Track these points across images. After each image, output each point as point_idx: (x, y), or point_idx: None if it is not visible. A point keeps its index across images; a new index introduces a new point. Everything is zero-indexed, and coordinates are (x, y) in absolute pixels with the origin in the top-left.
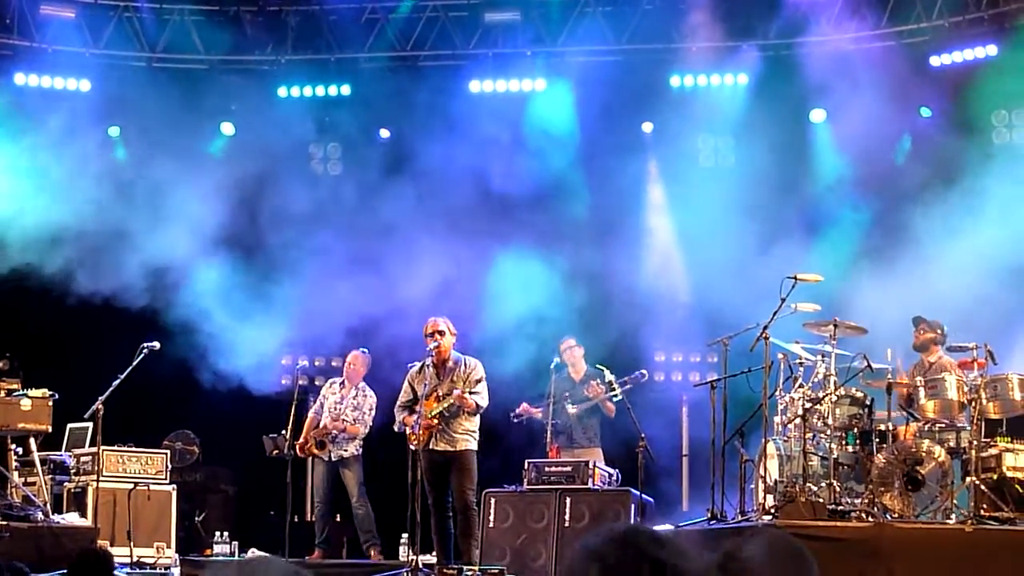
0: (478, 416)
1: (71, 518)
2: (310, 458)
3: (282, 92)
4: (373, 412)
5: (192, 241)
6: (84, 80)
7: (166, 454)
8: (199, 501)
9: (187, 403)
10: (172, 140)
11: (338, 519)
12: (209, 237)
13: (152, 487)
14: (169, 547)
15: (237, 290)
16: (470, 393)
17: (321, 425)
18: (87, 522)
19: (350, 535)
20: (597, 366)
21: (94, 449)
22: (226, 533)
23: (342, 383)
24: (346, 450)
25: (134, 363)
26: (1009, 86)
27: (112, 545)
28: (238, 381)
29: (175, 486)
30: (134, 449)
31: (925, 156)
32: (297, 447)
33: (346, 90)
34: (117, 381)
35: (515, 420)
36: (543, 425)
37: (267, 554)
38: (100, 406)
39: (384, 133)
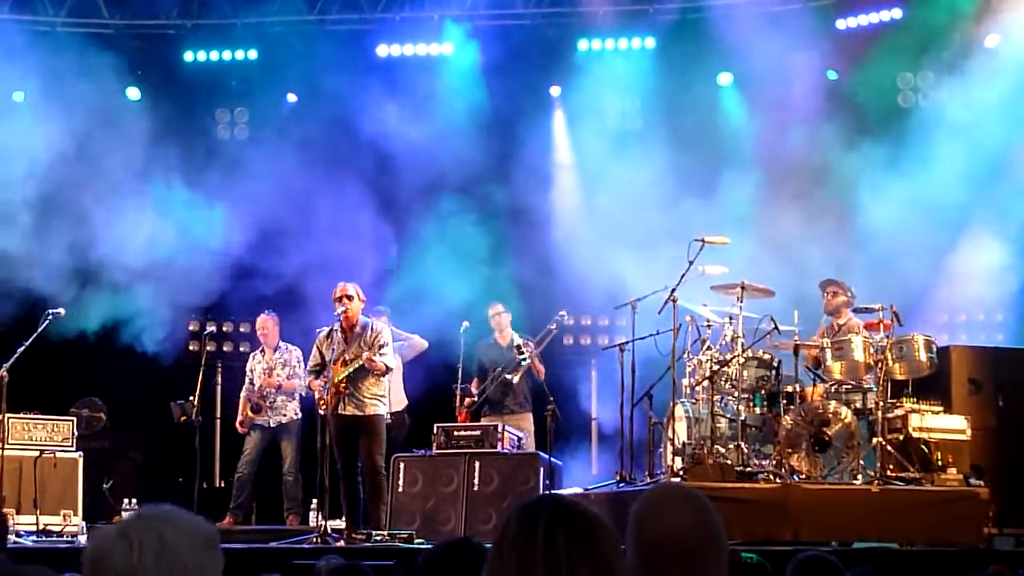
0: (387, 380)
1: None
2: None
3: (188, 57)
4: (302, 363)
5: (98, 206)
6: None
7: (72, 421)
8: (106, 468)
9: (93, 370)
10: (77, 105)
11: (253, 486)
12: (116, 201)
13: (58, 455)
14: (76, 515)
15: (143, 255)
16: (378, 356)
17: (256, 388)
18: None
19: (261, 501)
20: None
21: None
22: (134, 500)
23: (262, 351)
24: (285, 415)
25: (39, 329)
26: (914, 49)
27: (18, 513)
28: (145, 348)
29: (82, 453)
30: (40, 416)
31: (831, 119)
32: (237, 426)
33: (253, 54)
34: (21, 348)
35: (470, 409)
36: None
37: (161, 506)
38: (4, 373)
39: (291, 98)
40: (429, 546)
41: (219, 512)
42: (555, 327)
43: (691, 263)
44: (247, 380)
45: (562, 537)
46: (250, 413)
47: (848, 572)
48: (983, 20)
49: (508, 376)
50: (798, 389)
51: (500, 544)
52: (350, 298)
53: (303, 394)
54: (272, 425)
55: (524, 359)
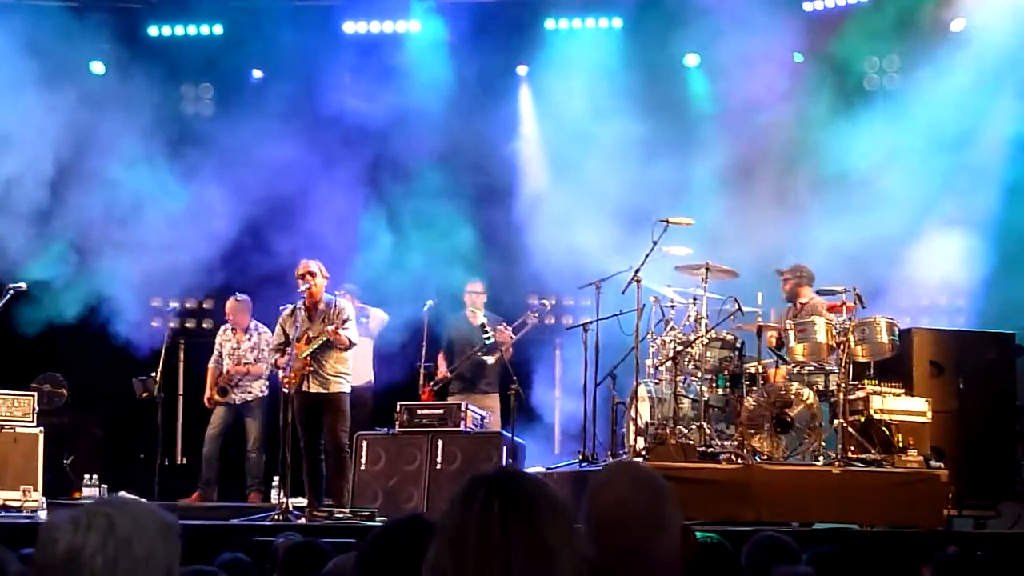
0: (350, 358)
1: None
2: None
3: (153, 31)
4: (268, 346)
5: (60, 181)
6: None
7: (33, 396)
8: (68, 444)
9: (56, 345)
10: (42, 78)
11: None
12: (78, 176)
13: (19, 430)
14: (36, 490)
15: (106, 231)
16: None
17: (224, 372)
18: None
19: (223, 478)
20: (470, 310)
21: None
22: (95, 476)
23: (233, 329)
24: (250, 392)
25: (0, 304)
26: (881, 32)
27: None
28: (107, 324)
29: (43, 429)
30: (0, 392)
31: (797, 101)
32: (205, 400)
33: (218, 30)
34: None
35: (435, 388)
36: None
37: (124, 495)
38: None
39: (257, 74)
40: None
41: (181, 488)
42: (536, 316)
43: (655, 243)
44: (215, 352)
45: (497, 508)
46: (217, 396)
47: (806, 552)
48: (949, 4)
49: (485, 358)
50: (761, 370)
51: (444, 513)
52: (312, 275)
53: (273, 372)
54: (237, 402)
55: (488, 338)
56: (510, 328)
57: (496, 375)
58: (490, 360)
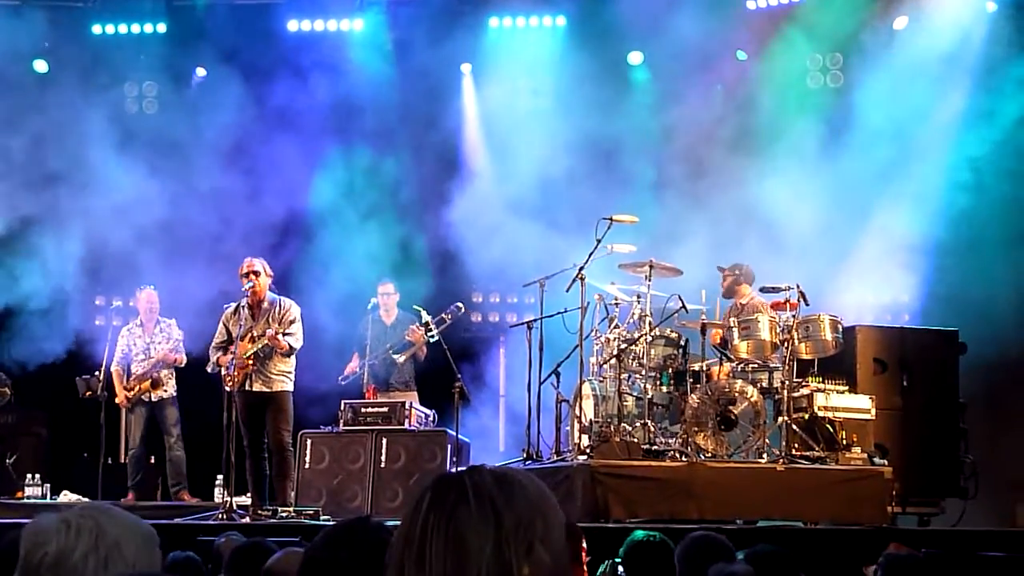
0: (293, 357)
1: None
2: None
3: (96, 29)
4: (182, 339)
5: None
6: None
7: None
8: (11, 443)
9: None
10: None
11: (152, 461)
12: (20, 174)
13: None
14: None
15: (46, 229)
16: (284, 335)
17: (137, 371)
18: None
19: (163, 476)
20: (414, 307)
21: None
22: (38, 476)
23: (140, 324)
24: (166, 390)
25: None
26: (824, 30)
27: None
28: (49, 322)
29: None
30: None
31: (740, 99)
32: (123, 400)
33: (161, 28)
34: None
35: (343, 383)
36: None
37: (105, 503)
38: None
39: (200, 72)
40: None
41: (123, 488)
42: (450, 317)
43: (599, 241)
44: (118, 351)
45: (427, 502)
46: (150, 388)
47: (746, 550)
48: (892, 2)
49: (395, 356)
50: (705, 368)
51: (403, 520)
52: (256, 274)
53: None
54: (154, 400)
55: (433, 336)
56: (422, 328)
57: (411, 374)
58: (400, 359)
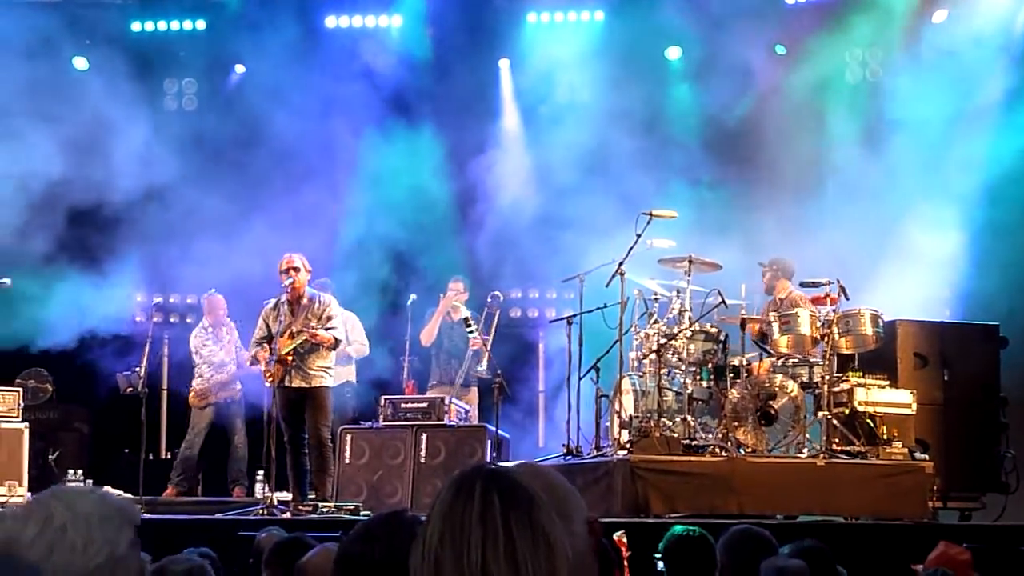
0: (333, 352)
1: None
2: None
3: (136, 27)
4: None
5: (45, 175)
6: None
7: (19, 392)
8: (53, 439)
9: (40, 340)
10: (25, 74)
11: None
12: (61, 172)
13: (3, 425)
14: (21, 485)
15: (88, 226)
16: (325, 329)
17: (218, 379)
18: None
19: (207, 473)
20: (455, 302)
21: None
22: (80, 471)
23: (205, 328)
24: (236, 388)
25: None
26: (863, 25)
27: None
28: (92, 318)
29: (27, 424)
30: None
31: (780, 93)
32: (195, 399)
33: (201, 25)
34: None
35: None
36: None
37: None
38: None
39: (240, 68)
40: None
41: (165, 483)
42: (493, 309)
43: (639, 236)
44: (197, 356)
45: (498, 501)
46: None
47: (788, 546)
48: None
49: (480, 367)
50: (745, 363)
51: (434, 510)
52: (296, 270)
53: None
54: (225, 401)
55: (472, 332)
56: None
57: (472, 371)
58: (482, 369)
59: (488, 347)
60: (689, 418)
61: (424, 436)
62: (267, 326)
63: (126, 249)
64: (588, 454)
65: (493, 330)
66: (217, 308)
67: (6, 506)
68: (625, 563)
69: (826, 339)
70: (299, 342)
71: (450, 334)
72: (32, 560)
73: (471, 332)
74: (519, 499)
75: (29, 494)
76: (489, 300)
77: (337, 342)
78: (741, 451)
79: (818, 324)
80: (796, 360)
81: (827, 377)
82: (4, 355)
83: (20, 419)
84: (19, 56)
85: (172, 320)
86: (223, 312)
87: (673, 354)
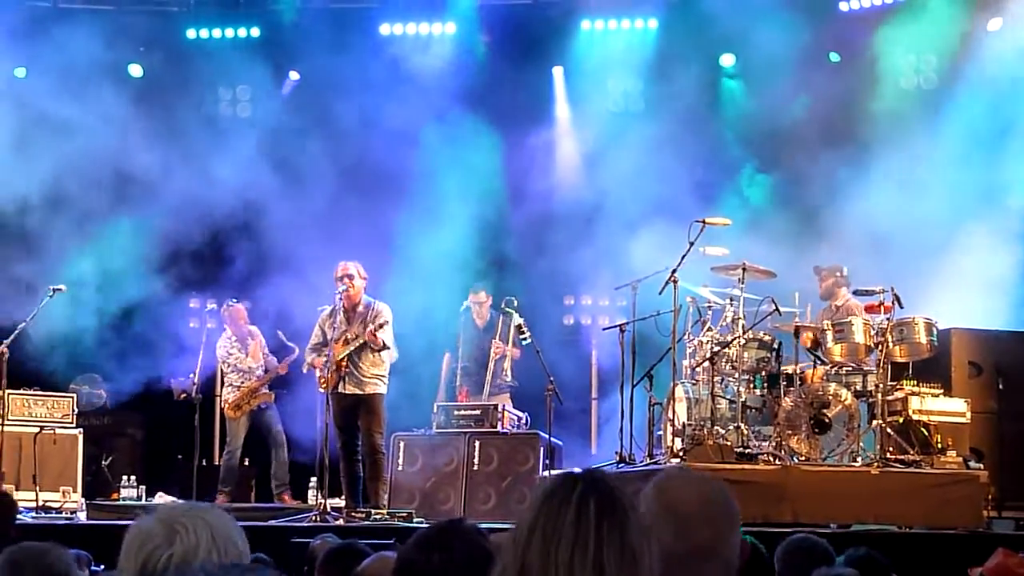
0: (387, 360)
1: None
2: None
3: (191, 34)
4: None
5: (100, 181)
6: None
7: (72, 398)
8: (106, 445)
9: (94, 346)
10: (79, 82)
11: (246, 463)
12: (117, 177)
13: (58, 431)
14: (75, 491)
15: (143, 231)
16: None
17: (247, 385)
18: None
19: (257, 479)
20: (506, 308)
21: None
22: (133, 477)
23: (230, 337)
24: (268, 395)
25: (40, 305)
26: (917, 31)
27: (17, 489)
28: (145, 325)
29: (81, 430)
30: (40, 393)
31: (834, 101)
32: (232, 411)
33: (255, 32)
34: (23, 324)
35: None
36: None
37: (190, 502)
38: (4, 349)
39: (294, 76)
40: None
41: (217, 489)
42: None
43: (692, 244)
44: (225, 365)
45: (594, 507)
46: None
47: (843, 555)
48: (986, 3)
49: (506, 375)
50: (798, 371)
51: (529, 502)
52: (351, 277)
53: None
54: (259, 407)
55: (526, 339)
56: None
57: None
58: (508, 378)
59: (511, 353)
60: (742, 426)
61: (477, 443)
62: (323, 333)
63: (182, 252)
64: (641, 462)
65: (511, 336)
66: (238, 318)
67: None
68: None
69: (880, 347)
70: (353, 348)
71: (478, 342)
72: (210, 571)
73: (525, 341)
74: (614, 510)
75: (83, 500)
76: (503, 305)
77: (387, 346)
78: (795, 459)
79: (872, 332)
80: (850, 368)
81: (881, 386)
82: (59, 361)
83: (75, 425)
84: (76, 63)
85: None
86: (244, 321)
87: (726, 362)
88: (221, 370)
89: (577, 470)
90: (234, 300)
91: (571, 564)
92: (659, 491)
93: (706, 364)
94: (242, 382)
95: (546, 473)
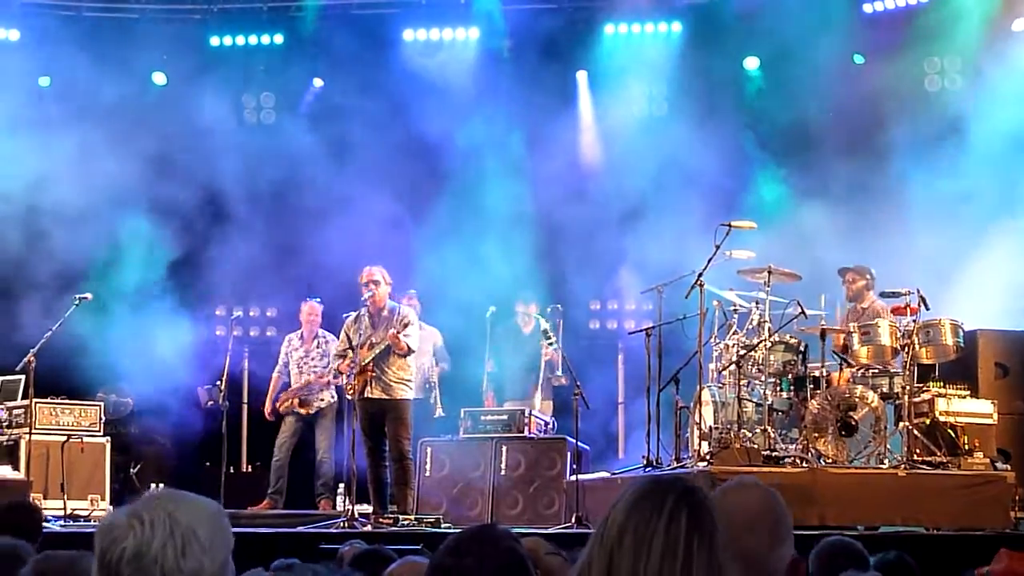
0: (413, 365)
1: (3, 471)
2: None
3: (214, 41)
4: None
5: (124, 189)
6: (13, 30)
7: (100, 406)
8: (134, 453)
9: (120, 354)
10: (103, 90)
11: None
12: (141, 186)
13: (86, 439)
14: (103, 499)
15: (168, 240)
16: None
17: (294, 384)
18: (20, 475)
19: (291, 486)
20: (536, 315)
21: (26, 402)
22: (161, 485)
23: (301, 336)
24: (322, 399)
25: (67, 314)
26: (941, 33)
27: (45, 498)
28: (172, 332)
29: (109, 438)
30: (67, 401)
31: (858, 103)
32: (267, 412)
33: (279, 39)
34: (49, 332)
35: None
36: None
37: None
38: (32, 358)
39: (318, 82)
40: (456, 531)
41: (247, 496)
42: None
43: (717, 247)
44: (280, 362)
45: (685, 519)
46: (299, 407)
47: (873, 557)
48: (1011, 4)
49: (558, 376)
50: (825, 373)
51: (618, 506)
52: (376, 283)
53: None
54: (311, 412)
55: (552, 344)
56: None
57: (546, 382)
58: (563, 381)
59: (561, 356)
60: (769, 429)
61: (504, 448)
62: (348, 339)
63: (208, 260)
64: (668, 465)
65: (555, 343)
66: (311, 315)
67: (110, 512)
68: None
69: (906, 349)
70: (378, 352)
71: (525, 348)
72: (167, 562)
73: (552, 346)
74: (705, 522)
75: (111, 508)
76: (548, 311)
77: (411, 350)
78: (822, 462)
79: (898, 334)
80: (876, 371)
81: (907, 388)
82: (86, 369)
83: (102, 433)
84: (99, 70)
85: (252, 333)
86: (316, 321)
87: (753, 365)
88: (280, 365)
89: (668, 477)
90: (311, 298)
91: (660, 572)
92: (722, 495)
93: (732, 367)
94: (296, 384)
95: (630, 478)
